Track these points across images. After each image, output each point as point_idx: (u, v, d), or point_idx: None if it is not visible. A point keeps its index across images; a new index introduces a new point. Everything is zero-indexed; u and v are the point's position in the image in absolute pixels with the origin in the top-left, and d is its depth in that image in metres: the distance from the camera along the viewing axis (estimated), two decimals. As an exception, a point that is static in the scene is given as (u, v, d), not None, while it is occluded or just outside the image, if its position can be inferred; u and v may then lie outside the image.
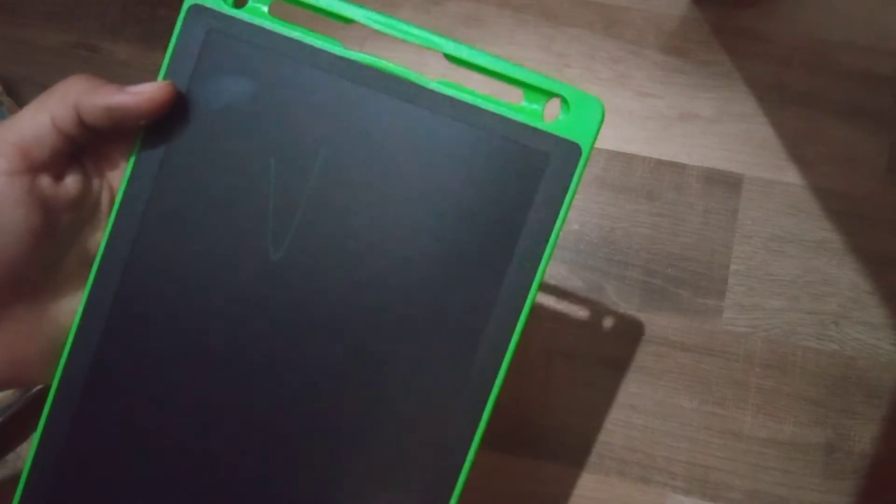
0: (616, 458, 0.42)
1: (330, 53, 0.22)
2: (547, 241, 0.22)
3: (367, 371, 0.22)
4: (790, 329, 0.43)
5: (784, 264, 0.44)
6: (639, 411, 0.42)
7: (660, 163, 0.45)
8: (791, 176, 0.45)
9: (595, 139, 0.21)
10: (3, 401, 0.36)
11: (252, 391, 0.23)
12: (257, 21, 0.22)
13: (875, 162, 0.45)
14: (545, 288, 0.44)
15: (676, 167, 0.45)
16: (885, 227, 0.44)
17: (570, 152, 0.21)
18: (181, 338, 0.23)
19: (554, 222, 0.22)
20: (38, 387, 0.37)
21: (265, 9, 0.22)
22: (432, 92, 0.22)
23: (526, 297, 0.22)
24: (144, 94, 0.21)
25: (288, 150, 0.22)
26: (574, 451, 0.42)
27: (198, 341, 0.23)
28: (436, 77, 0.22)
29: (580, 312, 0.44)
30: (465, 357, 0.22)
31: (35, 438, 0.23)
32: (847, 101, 0.46)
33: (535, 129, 0.21)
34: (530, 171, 0.21)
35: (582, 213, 0.45)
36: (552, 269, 0.44)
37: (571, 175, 0.21)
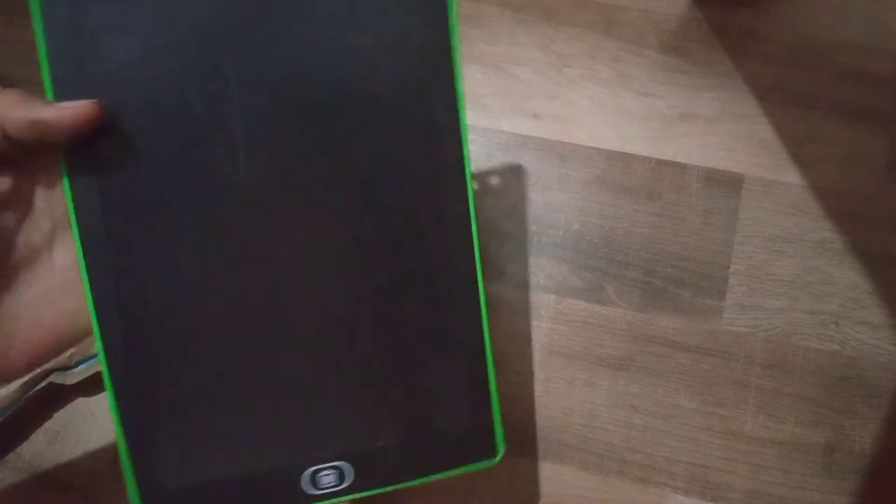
0: (616, 459, 0.42)
1: None
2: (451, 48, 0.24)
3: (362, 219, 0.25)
4: (790, 329, 0.43)
5: (784, 264, 0.44)
6: (639, 411, 0.42)
7: (660, 163, 0.45)
8: (791, 176, 0.45)
9: None
10: (4, 401, 0.36)
11: (258, 287, 0.24)
12: None
13: (875, 162, 0.45)
14: (546, 287, 0.44)
15: (676, 167, 0.45)
16: (885, 227, 0.44)
17: None
18: (186, 264, 0.24)
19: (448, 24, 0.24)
20: (38, 387, 0.37)
21: None
22: None
23: (456, 91, 0.24)
24: (68, 109, 0.21)
25: (200, 73, 0.23)
26: (574, 452, 0.42)
27: (204, 265, 0.24)
28: None
29: (580, 312, 0.44)
30: (431, 172, 0.25)
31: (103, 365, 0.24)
32: (847, 101, 0.46)
33: None
34: None
35: (582, 213, 0.45)
36: (552, 268, 0.44)
37: None
